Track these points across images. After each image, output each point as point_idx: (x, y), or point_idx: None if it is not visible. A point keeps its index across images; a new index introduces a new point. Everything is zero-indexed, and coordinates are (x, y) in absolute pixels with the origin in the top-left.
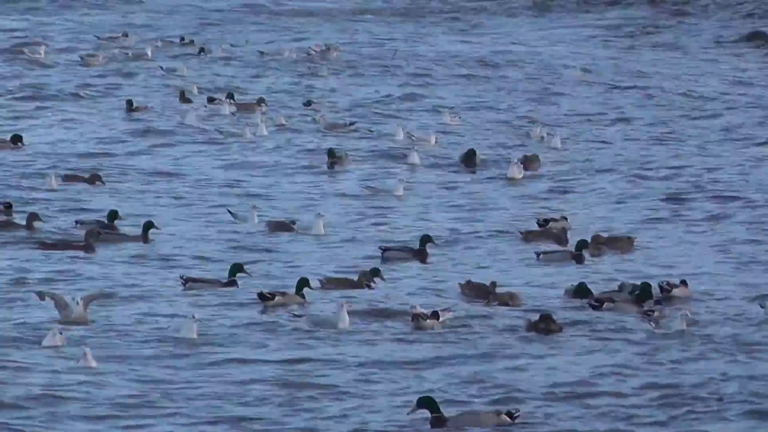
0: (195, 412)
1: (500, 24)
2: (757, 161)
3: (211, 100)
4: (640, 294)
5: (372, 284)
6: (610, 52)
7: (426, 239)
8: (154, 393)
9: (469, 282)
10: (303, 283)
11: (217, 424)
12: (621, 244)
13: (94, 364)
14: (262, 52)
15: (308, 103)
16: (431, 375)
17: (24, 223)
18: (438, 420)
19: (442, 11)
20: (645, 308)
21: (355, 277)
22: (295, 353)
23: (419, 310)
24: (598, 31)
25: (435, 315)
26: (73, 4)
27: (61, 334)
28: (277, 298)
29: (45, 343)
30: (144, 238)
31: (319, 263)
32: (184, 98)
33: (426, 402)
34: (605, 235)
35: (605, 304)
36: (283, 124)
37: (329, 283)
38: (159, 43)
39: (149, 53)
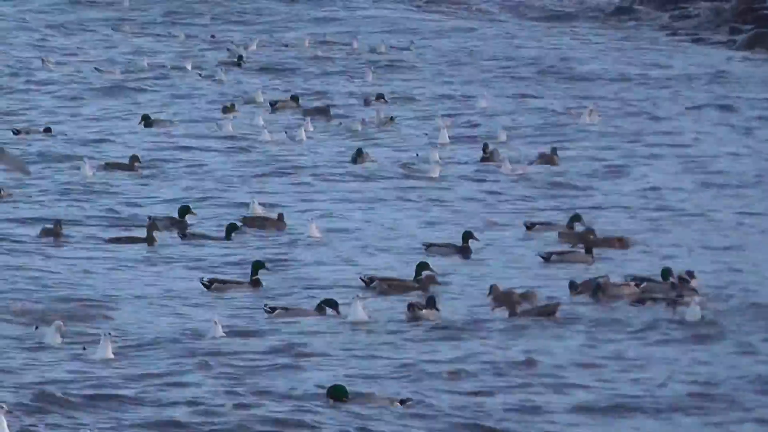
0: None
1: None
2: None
3: (273, 104)
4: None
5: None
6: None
7: (468, 235)
8: None
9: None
10: (328, 302)
11: None
12: (614, 244)
13: (111, 354)
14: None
15: (374, 99)
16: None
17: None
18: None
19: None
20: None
21: (410, 281)
22: None
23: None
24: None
25: (430, 305)
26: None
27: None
28: (277, 311)
29: (47, 340)
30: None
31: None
32: (230, 109)
33: (336, 393)
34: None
35: (644, 283)
36: (357, 130)
37: (390, 289)
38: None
39: (188, 66)
